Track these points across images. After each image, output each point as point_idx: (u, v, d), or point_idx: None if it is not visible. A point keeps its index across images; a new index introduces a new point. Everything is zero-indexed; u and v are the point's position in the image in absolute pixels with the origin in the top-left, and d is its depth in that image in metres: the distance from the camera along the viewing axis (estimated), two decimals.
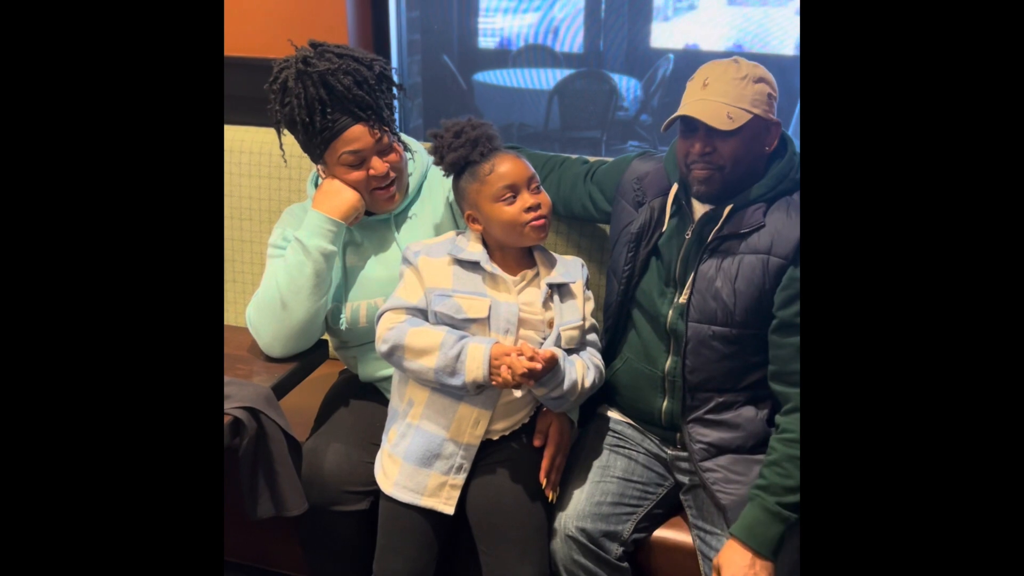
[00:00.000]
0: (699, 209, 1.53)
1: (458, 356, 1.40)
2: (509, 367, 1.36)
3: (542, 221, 1.48)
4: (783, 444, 1.43)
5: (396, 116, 1.63)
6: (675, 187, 1.56)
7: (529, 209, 1.46)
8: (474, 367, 1.39)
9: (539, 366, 1.36)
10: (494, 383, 1.39)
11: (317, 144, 1.55)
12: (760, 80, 1.44)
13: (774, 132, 1.48)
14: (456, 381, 1.41)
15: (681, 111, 1.44)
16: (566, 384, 1.43)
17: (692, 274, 1.52)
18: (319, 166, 1.63)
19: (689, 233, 1.53)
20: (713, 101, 1.42)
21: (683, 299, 1.53)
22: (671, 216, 1.56)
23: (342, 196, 1.58)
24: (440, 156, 1.51)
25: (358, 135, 1.54)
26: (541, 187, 1.50)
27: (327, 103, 1.51)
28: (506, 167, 1.47)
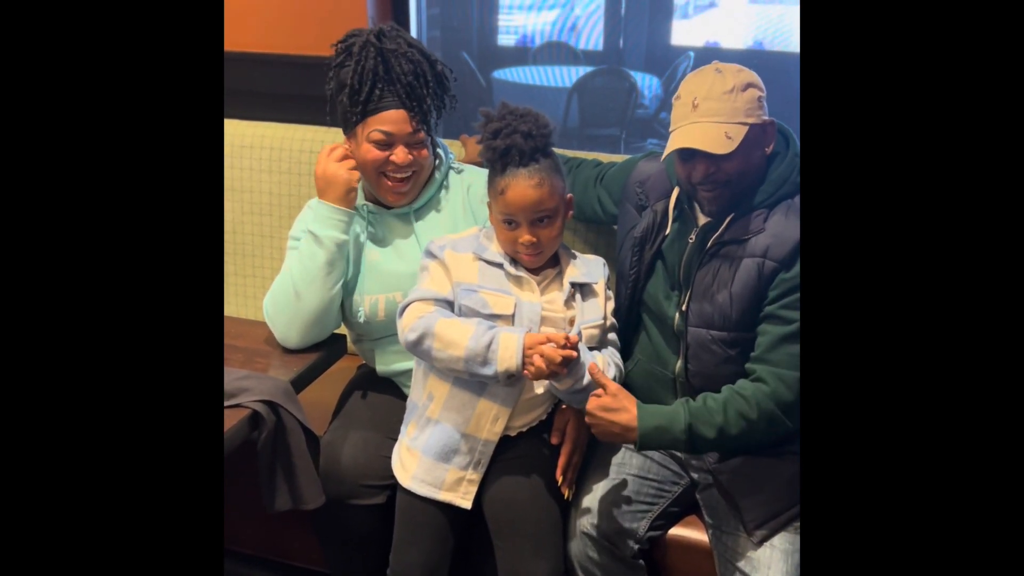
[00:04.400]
0: (702, 214, 1.52)
1: (489, 345, 1.39)
2: (543, 356, 1.35)
3: (531, 258, 1.47)
4: (730, 392, 1.43)
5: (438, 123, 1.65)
6: (676, 190, 1.55)
7: (522, 244, 1.45)
8: (507, 356, 1.38)
9: (575, 354, 1.36)
10: (526, 372, 1.39)
11: (356, 113, 1.57)
12: (748, 86, 1.40)
13: (770, 132, 1.46)
14: (488, 371, 1.40)
15: (678, 143, 1.40)
16: (587, 378, 1.43)
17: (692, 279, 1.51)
18: (347, 139, 1.64)
19: (692, 237, 1.52)
20: (707, 123, 1.39)
21: (684, 304, 1.52)
22: (674, 220, 1.56)
23: (337, 182, 1.60)
24: (478, 140, 1.51)
25: (396, 119, 1.56)
26: (549, 219, 1.45)
27: (381, 78, 1.54)
28: (513, 195, 1.42)
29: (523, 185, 1.42)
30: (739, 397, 1.42)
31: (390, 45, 1.56)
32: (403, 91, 1.55)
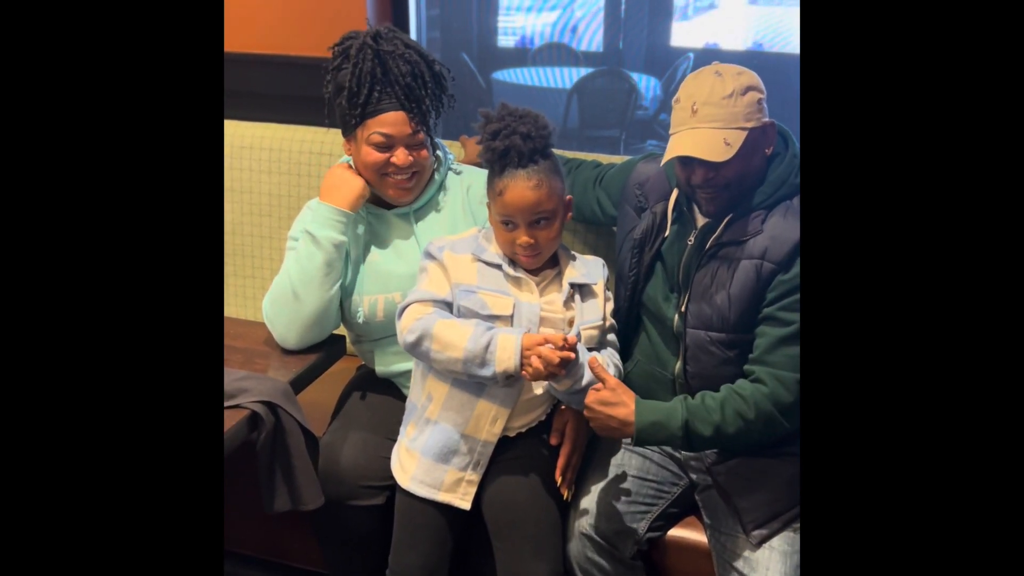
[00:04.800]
0: (700, 216, 1.52)
1: (487, 346, 1.39)
2: (541, 357, 1.35)
3: (529, 259, 1.47)
4: (728, 391, 1.43)
5: (437, 122, 1.65)
6: (675, 192, 1.55)
7: (521, 245, 1.45)
8: (505, 357, 1.38)
9: (573, 355, 1.36)
10: (524, 374, 1.38)
11: (355, 116, 1.57)
12: (747, 90, 1.40)
13: (770, 134, 1.46)
14: (486, 372, 1.39)
15: (677, 150, 1.40)
16: (586, 379, 1.43)
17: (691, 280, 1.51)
18: (345, 141, 1.64)
19: (691, 239, 1.52)
20: (706, 129, 1.38)
21: (683, 306, 1.53)
22: (673, 222, 1.56)
23: (349, 185, 1.61)
24: (477, 141, 1.52)
25: (396, 121, 1.56)
26: (547, 221, 1.45)
27: (379, 80, 1.55)
28: (511, 197, 1.42)
29: (521, 186, 1.42)
30: (737, 396, 1.42)
31: (387, 47, 1.56)
32: (401, 92, 1.55)
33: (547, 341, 1.37)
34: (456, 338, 1.40)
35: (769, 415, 1.41)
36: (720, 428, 1.40)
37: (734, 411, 1.41)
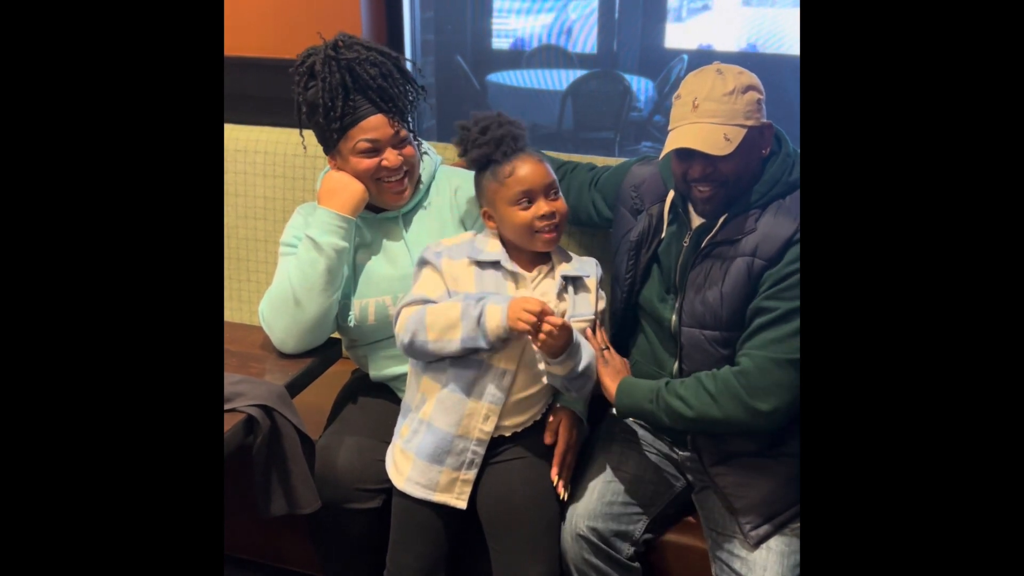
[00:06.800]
0: (696, 217, 1.53)
1: (479, 318, 1.39)
2: (527, 312, 1.34)
3: (552, 234, 1.49)
4: (708, 377, 1.43)
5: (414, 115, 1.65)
6: (671, 194, 1.56)
7: (543, 217, 1.47)
8: (493, 325, 1.38)
9: (559, 321, 1.35)
10: (519, 327, 1.36)
11: (335, 130, 1.56)
12: (748, 89, 1.41)
13: (767, 135, 1.46)
14: (482, 343, 1.40)
15: (677, 142, 1.40)
16: (584, 362, 1.43)
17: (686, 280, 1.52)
18: (330, 157, 1.64)
19: (687, 240, 1.53)
20: (706, 124, 1.39)
21: (679, 305, 1.53)
22: (669, 223, 1.56)
23: (349, 190, 1.60)
24: (464, 150, 1.53)
25: (377, 124, 1.56)
26: (559, 193, 1.51)
27: (351, 90, 1.54)
28: (525, 171, 1.47)
29: (531, 161, 1.48)
30: (708, 375, 1.44)
31: (349, 54, 1.55)
32: (376, 95, 1.55)
33: (542, 311, 1.35)
34: (450, 321, 1.41)
35: (734, 392, 1.39)
36: (686, 401, 1.42)
37: (699, 384, 1.43)
